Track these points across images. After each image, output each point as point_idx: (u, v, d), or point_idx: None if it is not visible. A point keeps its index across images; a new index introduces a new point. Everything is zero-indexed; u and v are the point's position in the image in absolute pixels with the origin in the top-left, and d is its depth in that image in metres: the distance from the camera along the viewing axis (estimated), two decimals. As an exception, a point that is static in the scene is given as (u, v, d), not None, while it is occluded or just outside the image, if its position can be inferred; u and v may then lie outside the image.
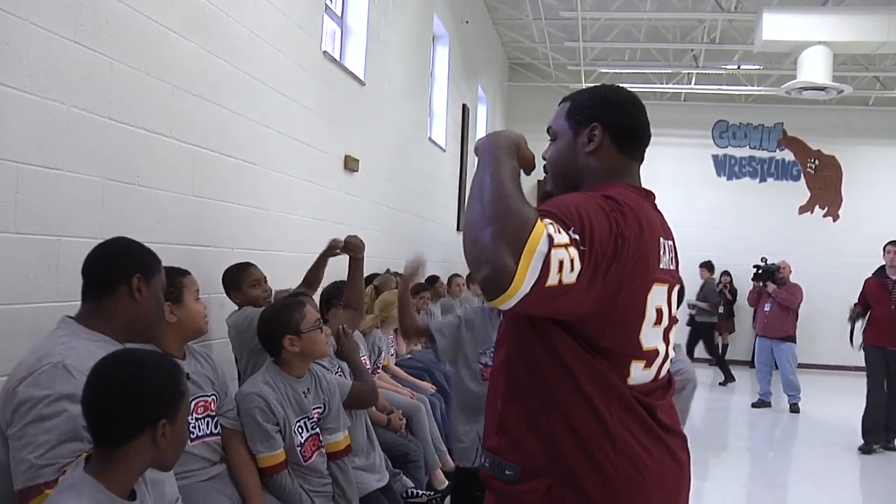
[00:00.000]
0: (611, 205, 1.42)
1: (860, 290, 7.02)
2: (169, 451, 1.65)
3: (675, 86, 12.35)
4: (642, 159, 1.67)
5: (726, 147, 13.32)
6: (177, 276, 2.48)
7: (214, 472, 2.54)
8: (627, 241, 1.39)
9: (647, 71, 12.06)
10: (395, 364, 5.19)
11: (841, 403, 9.35)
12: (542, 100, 12.24)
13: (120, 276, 2.00)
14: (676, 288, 1.60)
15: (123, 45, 2.83)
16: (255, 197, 4.04)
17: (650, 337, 1.51)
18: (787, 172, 13.21)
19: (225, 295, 3.52)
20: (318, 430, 2.83)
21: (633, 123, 1.64)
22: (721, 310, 12.51)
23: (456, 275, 8.03)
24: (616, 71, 11.96)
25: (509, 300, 1.28)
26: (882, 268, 6.78)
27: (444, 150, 8.87)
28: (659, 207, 1.64)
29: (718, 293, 12.58)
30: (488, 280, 1.27)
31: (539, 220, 1.30)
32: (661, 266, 1.52)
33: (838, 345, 11.95)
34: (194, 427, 2.49)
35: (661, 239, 1.54)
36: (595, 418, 1.44)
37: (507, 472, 1.51)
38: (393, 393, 4.53)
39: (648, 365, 1.52)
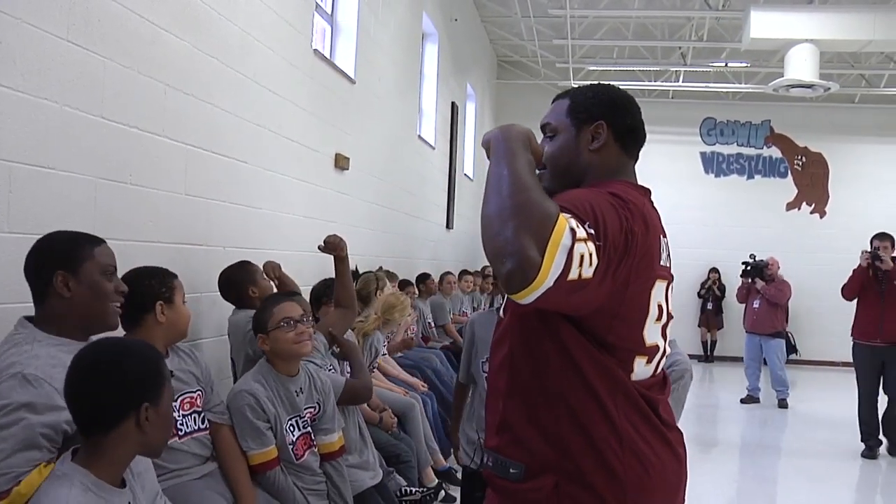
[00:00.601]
0: (618, 201, 1.43)
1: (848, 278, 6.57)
2: (155, 436, 1.64)
3: (663, 83, 12.40)
4: (637, 158, 1.69)
5: (714, 144, 13.39)
6: (169, 278, 2.47)
7: (206, 471, 2.55)
8: (636, 237, 1.40)
9: (635, 68, 12.10)
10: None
11: (829, 399, 9.45)
12: (530, 97, 12.29)
13: (44, 276, 1.94)
14: (672, 284, 1.62)
15: (116, 44, 2.82)
16: (248, 195, 4.03)
17: (652, 333, 1.53)
18: (775, 169, 13.30)
19: (217, 294, 3.52)
20: (309, 429, 2.83)
21: (634, 123, 1.66)
22: (710, 306, 12.63)
23: (448, 273, 8.04)
24: (604, 69, 12.00)
25: (532, 293, 1.26)
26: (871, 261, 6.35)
27: (434, 148, 8.87)
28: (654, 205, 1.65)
29: (707, 290, 12.70)
30: (513, 273, 1.25)
31: (560, 213, 1.30)
32: (660, 262, 1.54)
33: (826, 340, 12.14)
34: (182, 424, 2.49)
35: (661, 236, 1.56)
36: (602, 414, 1.45)
37: (511, 470, 1.50)
38: (386, 391, 4.54)
39: (650, 361, 1.54)
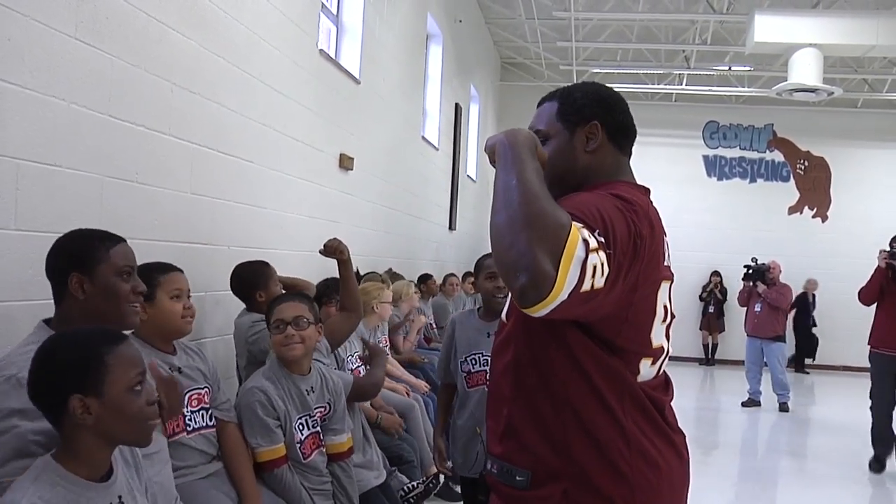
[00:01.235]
0: (624, 205, 1.41)
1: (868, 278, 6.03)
2: (114, 427, 1.57)
3: (667, 86, 12.40)
4: (631, 155, 1.67)
5: (717, 148, 13.40)
6: (153, 274, 2.39)
7: (212, 470, 2.54)
8: (644, 241, 1.39)
9: (638, 71, 12.10)
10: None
11: (830, 403, 9.45)
12: (533, 99, 11.96)
13: (61, 278, 1.91)
14: (673, 283, 1.61)
15: (123, 42, 2.83)
16: (252, 195, 4.03)
17: (658, 334, 1.52)
18: (777, 173, 13.31)
19: (221, 293, 3.52)
20: (318, 428, 2.82)
21: (626, 120, 1.64)
22: (712, 309, 12.63)
23: (451, 274, 8.04)
24: (608, 71, 11.99)
25: (546, 307, 1.23)
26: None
27: (438, 149, 8.88)
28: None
29: (709, 293, 12.70)
30: (526, 288, 1.22)
31: (572, 222, 1.27)
32: (665, 263, 1.53)
33: (827, 345, 12.14)
34: (190, 420, 2.49)
35: (663, 236, 1.55)
36: (609, 417, 1.44)
37: (517, 477, 1.48)
38: (388, 392, 4.53)
39: (654, 362, 1.54)
